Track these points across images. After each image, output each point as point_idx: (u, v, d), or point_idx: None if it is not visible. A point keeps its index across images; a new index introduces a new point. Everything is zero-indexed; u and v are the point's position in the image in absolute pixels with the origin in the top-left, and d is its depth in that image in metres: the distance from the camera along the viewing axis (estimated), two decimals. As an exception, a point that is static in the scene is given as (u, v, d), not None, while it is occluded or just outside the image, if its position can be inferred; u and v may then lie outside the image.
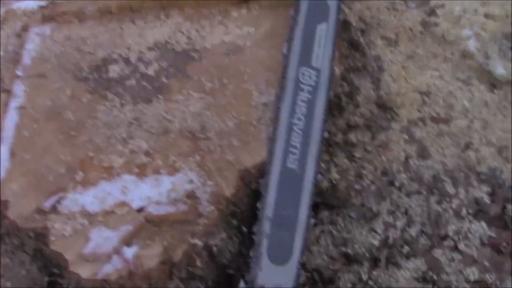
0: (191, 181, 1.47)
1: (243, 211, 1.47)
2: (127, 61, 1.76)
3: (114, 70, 1.74)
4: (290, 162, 1.42)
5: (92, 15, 1.94)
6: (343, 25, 1.77)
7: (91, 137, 1.61)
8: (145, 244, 1.40)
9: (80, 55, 1.81)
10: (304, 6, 1.61)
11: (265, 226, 1.35)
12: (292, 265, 1.32)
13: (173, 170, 1.50)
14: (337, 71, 1.61)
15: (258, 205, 1.39)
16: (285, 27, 1.70)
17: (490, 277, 1.56)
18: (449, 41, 1.98)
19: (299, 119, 1.47)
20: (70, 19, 1.95)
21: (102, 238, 1.42)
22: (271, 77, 1.61)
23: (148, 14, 1.89)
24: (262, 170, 1.47)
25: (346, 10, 1.86)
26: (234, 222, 1.45)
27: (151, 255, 1.38)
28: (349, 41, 1.75)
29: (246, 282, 1.32)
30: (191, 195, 1.45)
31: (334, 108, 1.62)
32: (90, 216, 1.47)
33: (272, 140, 1.44)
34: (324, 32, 1.58)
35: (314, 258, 1.63)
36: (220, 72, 1.66)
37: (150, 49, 1.78)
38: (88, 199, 1.50)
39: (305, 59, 1.53)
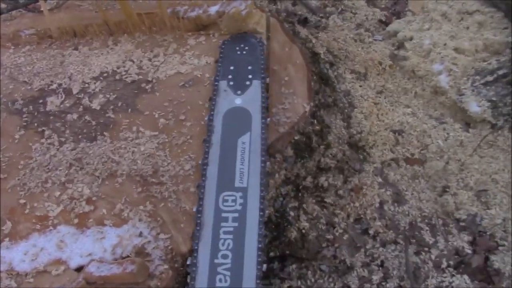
0: (140, 234, 1.26)
1: (203, 270, 1.26)
2: (68, 92, 1.54)
3: (53, 103, 1.52)
4: None
5: (28, 40, 1.72)
6: (312, 58, 1.62)
7: (23, 180, 1.37)
8: (84, 312, 1.17)
9: (14, 84, 1.58)
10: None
11: None
12: None
13: (119, 220, 1.29)
14: (307, 108, 1.45)
15: None
16: (249, 58, 1.54)
17: None
18: (420, 75, 1.88)
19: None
20: (3, 43, 1.72)
21: (31, 306, 1.18)
22: (234, 113, 1.43)
23: (93, 40, 1.69)
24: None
25: (313, 40, 1.72)
26: (192, 284, 1.24)
27: (91, 327, 1.15)
28: (319, 75, 1.60)
29: None
30: (140, 251, 1.24)
31: (304, 149, 1.46)
32: (18, 277, 1.23)
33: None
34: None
35: (281, 318, 1.45)
36: (175, 106, 1.46)
37: (95, 79, 1.57)
38: (17, 255, 1.26)
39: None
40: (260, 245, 1.19)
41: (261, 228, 1.21)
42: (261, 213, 1.24)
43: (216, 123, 1.38)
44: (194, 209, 1.26)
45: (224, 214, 1.23)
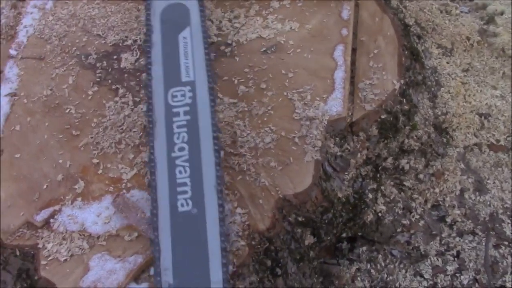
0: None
1: (279, 249, 1.22)
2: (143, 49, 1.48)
3: (127, 60, 1.47)
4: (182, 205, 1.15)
5: (104, -10, 1.66)
6: (403, 30, 1.51)
7: (96, 139, 1.34)
8: (157, 281, 1.14)
9: (87, 37, 1.53)
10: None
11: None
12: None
13: (195, 190, 1.24)
14: (397, 85, 1.35)
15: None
16: (337, 26, 1.44)
17: None
18: (510, 55, 1.74)
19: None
20: (77, -7, 1.66)
21: (104, 270, 1.16)
22: (318, 86, 1.35)
23: (170, -5, 1.61)
24: (304, 201, 1.22)
25: (404, 10, 1.60)
26: (268, 262, 1.20)
27: (164, 298, 1.12)
28: (410, 49, 1.49)
29: None
30: (216, 224, 1.19)
31: (389, 129, 1.37)
32: (90, 239, 1.21)
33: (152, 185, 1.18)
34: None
35: (348, 300, 1.40)
36: (256, 74, 1.39)
37: (171, 37, 1.50)
38: (90, 217, 1.23)
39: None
40: (215, 134, 1.20)
41: (213, 117, 1.22)
42: (212, 104, 1.24)
43: (154, 23, 1.38)
44: (144, 109, 1.28)
45: (175, 109, 1.24)
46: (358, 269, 1.42)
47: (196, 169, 1.17)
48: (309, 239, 1.29)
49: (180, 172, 1.17)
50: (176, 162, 1.18)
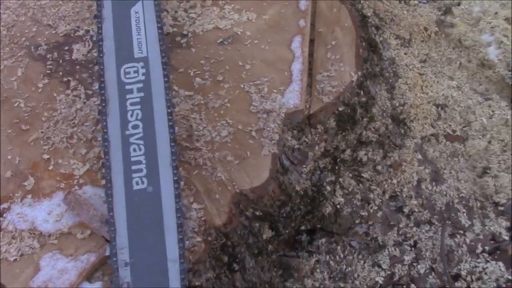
0: (172, 202, 1.18)
1: (236, 244, 1.20)
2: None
3: (79, 51, 1.42)
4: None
5: (54, -22, 1.59)
6: (361, 21, 1.50)
7: (47, 134, 1.29)
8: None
9: (37, 27, 1.47)
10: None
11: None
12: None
13: (150, 186, 1.21)
14: (355, 77, 1.34)
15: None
16: (294, 17, 1.42)
17: (507, 329, 1.38)
18: (466, 46, 1.76)
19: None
20: (26, -20, 1.59)
21: (56, 269, 1.13)
22: (275, 78, 1.33)
23: (124, -17, 1.56)
24: (262, 195, 1.21)
25: (361, 1, 1.59)
26: (225, 258, 1.18)
27: (118, 298, 1.10)
28: (367, 41, 1.48)
29: None
30: (172, 221, 1.17)
31: (346, 121, 1.37)
32: (41, 237, 1.17)
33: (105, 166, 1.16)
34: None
35: (307, 292, 1.41)
36: (212, 65, 1.36)
37: (125, 27, 1.46)
38: (40, 214, 1.19)
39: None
40: (169, 110, 1.19)
41: (168, 93, 1.21)
42: (166, 79, 1.23)
43: None
44: (96, 87, 1.26)
45: (128, 87, 1.22)
46: (318, 261, 1.42)
47: (150, 146, 1.16)
48: (267, 233, 1.28)
49: (135, 150, 1.16)
50: (130, 140, 1.17)
